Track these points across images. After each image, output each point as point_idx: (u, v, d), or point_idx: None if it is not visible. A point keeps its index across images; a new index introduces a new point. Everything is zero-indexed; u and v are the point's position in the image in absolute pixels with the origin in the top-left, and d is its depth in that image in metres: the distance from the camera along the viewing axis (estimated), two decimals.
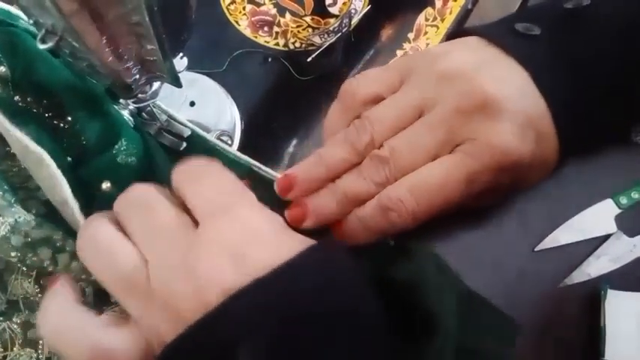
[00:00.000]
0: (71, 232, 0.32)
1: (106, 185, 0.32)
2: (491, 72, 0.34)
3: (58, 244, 0.31)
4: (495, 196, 0.36)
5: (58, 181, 0.30)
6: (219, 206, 0.26)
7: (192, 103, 0.42)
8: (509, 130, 0.33)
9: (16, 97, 0.34)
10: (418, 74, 0.35)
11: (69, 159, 0.33)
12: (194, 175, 0.28)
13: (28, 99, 0.34)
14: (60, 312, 0.27)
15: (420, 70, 0.35)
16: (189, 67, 0.42)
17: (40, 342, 0.30)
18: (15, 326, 0.30)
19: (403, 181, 0.33)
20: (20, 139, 0.31)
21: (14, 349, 0.30)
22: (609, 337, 0.36)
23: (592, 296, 0.38)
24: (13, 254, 0.30)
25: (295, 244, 0.25)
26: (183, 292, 0.24)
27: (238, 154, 0.37)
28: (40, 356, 0.30)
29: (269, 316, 0.23)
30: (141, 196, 0.28)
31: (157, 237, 0.26)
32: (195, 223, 0.27)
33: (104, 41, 0.27)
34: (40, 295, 0.32)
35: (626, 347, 0.36)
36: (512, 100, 0.33)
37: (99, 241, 0.27)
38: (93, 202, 0.31)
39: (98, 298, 0.33)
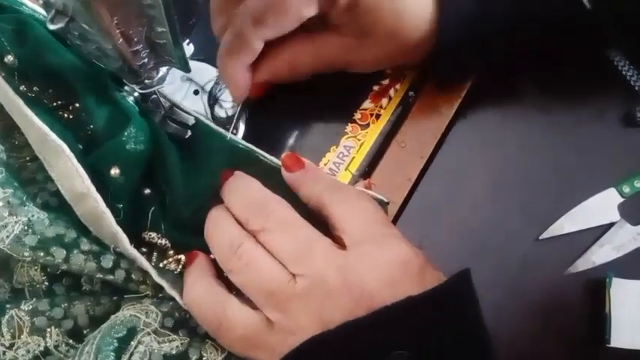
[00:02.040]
0: (84, 229, 0.32)
1: (114, 171, 0.31)
2: None
3: (71, 244, 0.31)
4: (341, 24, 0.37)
5: (78, 172, 0.30)
6: (372, 234, 0.30)
7: (196, 92, 0.41)
8: None
9: (22, 87, 0.33)
10: None
11: (80, 146, 0.32)
12: (347, 197, 0.32)
13: (34, 88, 0.33)
14: (202, 286, 0.31)
15: None
16: (193, 56, 0.42)
17: (48, 330, 0.30)
18: (22, 314, 0.30)
19: None
20: (40, 127, 0.30)
21: (22, 336, 0.29)
22: (614, 324, 0.36)
23: (596, 284, 0.38)
24: (26, 254, 0.30)
25: (434, 278, 0.29)
26: (339, 304, 0.27)
27: (243, 142, 0.37)
28: (48, 344, 0.30)
29: (423, 331, 0.27)
30: (273, 209, 0.32)
31: (308, 256, 0.29)
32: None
33: (115, 23, 0.27)
34: (46, 284, 0.32)
35: (630, 334, 0.37)
36: None
37: (242, 255, 0.30)
38: (102, 188, 0.31)
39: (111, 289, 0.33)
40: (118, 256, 0.31)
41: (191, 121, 0.37)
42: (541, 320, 0.38)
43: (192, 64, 0.40)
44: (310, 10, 0.35)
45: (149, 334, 0.29)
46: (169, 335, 0.30)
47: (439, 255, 0.39)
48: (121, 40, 0.28)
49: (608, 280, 0.37)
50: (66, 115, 0.34)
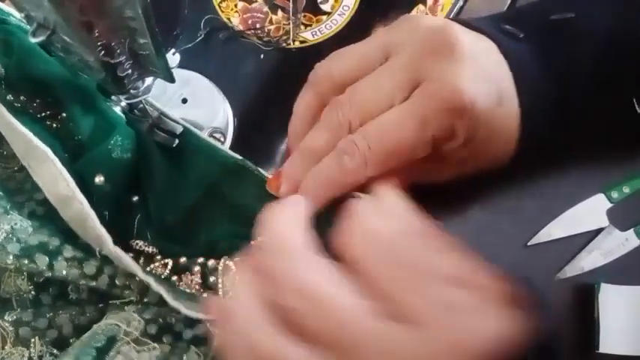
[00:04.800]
0: (68, 236, 0.32)
1: (99, 179, 0.32)
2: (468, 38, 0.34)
3: (54, 251, 0.31)
4: (450, 153, 0.34)
5: (62, 176, 0.30)
6: (443, 308, 0.24)
7: (184, 100, 0.41)
8: (468, 75, 0.32)
9: (9, 97, 0.33)
10: (408, 53, 0.33)
11: (65, 155, 0.32)
12: (406, 271, 0.25)
13: (21, 98, 0.34)
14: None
15: (410, 48, 0.33)
16: (181, 65, 0.42)
17: (32, 340, 0.30)
18: (7, 324, 0.30)
19: (360, 128, 0.32)
20: (24, 134, 0.31)
21: (5, 347, 0.29)
22: (603, 330, 0.36)
23: (585, 290, 0.38)
24: (9, 261, 0.30)
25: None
26: None
27: (230, 152, 0.37)
28: (32, 354, 0.30)
29: None
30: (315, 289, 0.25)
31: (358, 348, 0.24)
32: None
33: (96, 35, 0.27)
34: (32, 293, 0.32)
35: (619, 340, 0.36)
36: (477, 51, 0.33)
37: None
38: (88, 196, 0.31)
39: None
40: (102, 261, 0.31)
41: (179, 129, 0.38)
42: None
43: (180, 72, 0.41)
44: (423, 152, 0.33)
45: (128, 343, 0.29)
46: (149, 344, 0.30)
47: None
48: (103, 52, 0.28)
49: (596, 285, 0.37)
50: (54, 125, 0.34)
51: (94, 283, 0.31)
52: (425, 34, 0.33)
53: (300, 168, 0.34)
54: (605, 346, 0.36)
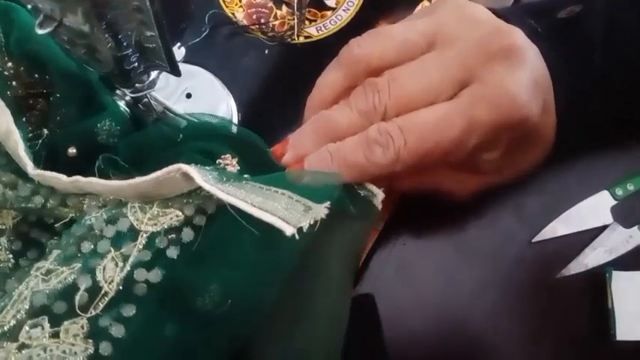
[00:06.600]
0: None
1: (71, 150, 0.33)
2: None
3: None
4: (485, 162, 0.33)
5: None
6: None
7: (188, 95, 0.41)
8: (525, 83, 0.30)
9: (10, 64, 0.34)
10: (462, 49, 0.31)
11: (46, 130, 0.34)
12: None
13: (21, 69, 0.34)
14: None
15: (463, 44, 0.31)
16: (185, 59, 0.42)
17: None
18: None
19: (397, 119, 0.30)
20: None
21: None
22: (619, 318, 0.36)
23: (591, 285, 0.38)
24: None
25: None
26: None
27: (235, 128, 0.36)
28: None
29: None
30: None
31: None
32: None
33: (103, 27, 0.27)
34: (12, 262, 0.33)
35: (636, 326, 0.36)
36: (533, 59, 0.31)
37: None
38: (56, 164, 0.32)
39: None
40: (38, 186, 0.32)
41: (183, 124, 0.37)
42: (535, 322, 0.38)
43: (184, 67, 0.40)
44: (457, 158, 0.31)
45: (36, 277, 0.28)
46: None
47: (430, 257, 0.39)
48: (110, 44, 0.28)
49: (607, 274, 0.37)
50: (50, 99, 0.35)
51: (30, 205, 0.31)
52: (480, 31, 0.31)
53: (312, 141, 0.32)
54: (623, 333, 0.36)
